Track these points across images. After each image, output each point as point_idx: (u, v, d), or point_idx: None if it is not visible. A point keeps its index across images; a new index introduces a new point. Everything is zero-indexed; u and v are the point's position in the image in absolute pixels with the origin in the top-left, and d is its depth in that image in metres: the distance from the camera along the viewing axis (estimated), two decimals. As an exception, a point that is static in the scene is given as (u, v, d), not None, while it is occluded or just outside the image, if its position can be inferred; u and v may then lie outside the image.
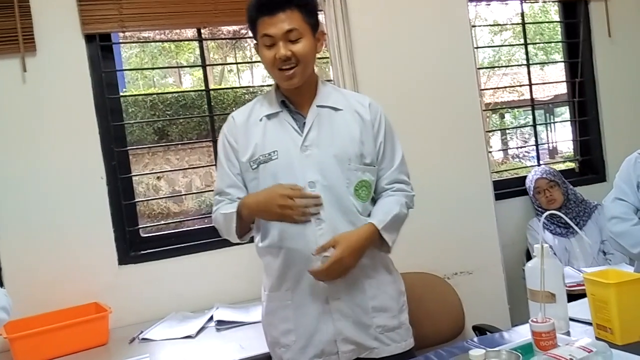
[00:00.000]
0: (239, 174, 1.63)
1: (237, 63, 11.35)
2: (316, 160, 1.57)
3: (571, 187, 2.92)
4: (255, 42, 1.61)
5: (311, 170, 1.56)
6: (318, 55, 1.64)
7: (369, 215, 1.61)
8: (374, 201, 1.66)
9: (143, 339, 2.14)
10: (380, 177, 1.66)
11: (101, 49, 2.41)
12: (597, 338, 1.39)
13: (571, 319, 1.50)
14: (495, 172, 3.37)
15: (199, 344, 2.05)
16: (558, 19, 3.47)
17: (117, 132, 2.46)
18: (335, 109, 1.63)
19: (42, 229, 2.28)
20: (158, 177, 7.56)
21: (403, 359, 1.62)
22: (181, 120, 7.67)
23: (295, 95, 1.62)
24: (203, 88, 2.77)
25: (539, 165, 3.20)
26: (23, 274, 2.22)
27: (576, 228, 1.55)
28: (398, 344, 1.63)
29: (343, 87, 2.49)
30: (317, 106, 1.62)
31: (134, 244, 2.48)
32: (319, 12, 1.62)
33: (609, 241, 2.15)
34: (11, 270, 2.22)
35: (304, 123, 1.60)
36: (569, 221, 1.51)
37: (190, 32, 3.34)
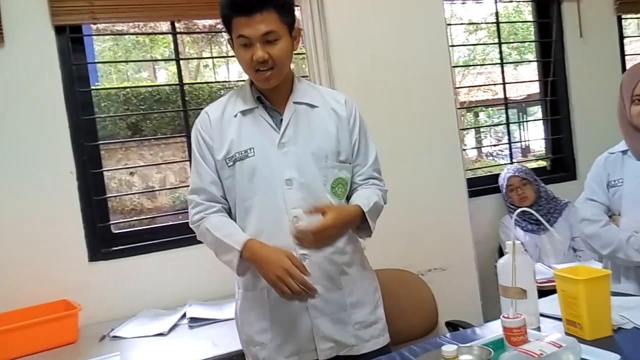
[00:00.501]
0: (216, 171, 1.60)
1: (212, 57, 11.24)
2: (293, 157, 1.56)
3: (543, 184, 2.96)
4: (229, 37, 1.58)
5: (288, 168, 1.55)
6: (294, 51, 1.62)
7: None
8: (348, 198, 1.66)
9: (114, 336, 2.10)
10: (354, 174, 1.66)
11: (72, 41, 2.36)
12: (566, 333, 1.42)
13: (542, 315, 1.52)
14: (469, 169, 3.40)
15: (171, 341, 2.03)
16: (532, 19, 3.52)
17: (87, 126, 2.41)
18: (312, 106, 1.62)
19: (9, 224, 2.23)
20: (131, 173, 7.45)
21: (380, 355, 1.62)
22: (155, 115, 7.56)
23: (271, 92, 1.60)
24: (177, 82, 2.74)
25: (511, 163, 3.24)
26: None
27: (547, 225, 1.57)
28: (376, 340, 1.63)
29: (319, 83, 2.49)
30: (294, 103, 1.60)
31: (105, 240, 2.43)
32: (295, 9, 1.60)
33: (581, 242, 2.19)
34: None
35: (281, 120, 1.59)
36: (540, 218, 1.53)
37: (165, 26, 3.29)
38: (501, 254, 2.90)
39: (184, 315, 2.22)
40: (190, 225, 1.64)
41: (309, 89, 1.66)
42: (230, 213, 1.63)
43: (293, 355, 1.56)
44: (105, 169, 2.52)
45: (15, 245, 2.23)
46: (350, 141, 1.63)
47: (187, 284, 2.43)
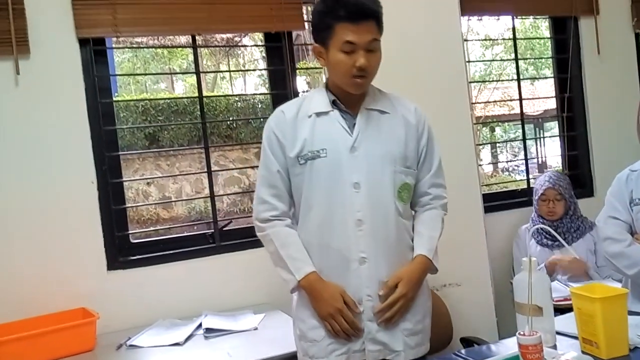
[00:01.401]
0: (283, 169, 1.64)
1: (230, 71, 11.39)
2: (363, 161, 1.60)
3: (575, 201, 2.85)
4: (315, 44, 1.62)
5: (358, 171, 1.60)
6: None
7: (409, 218, 1.69)
8: (411, 204, 1.72)
9: (130, 345, 2.12)
10: (419, 180, 1.71)
11: (94, 53, 2.41)
12: (583, 352, 1.41)
13: (558, 333, 1.51)
14: (485, 185, 3.39)
15: (186, 351, 2.04)
16: (548, 35, 3.52)
17: (108, 137, 2.46)
18: (383, 112, 1.67)
19: (31, 232, 2.26)
20: (148, 183, 7.53)
21: None
22: (172, 126, 7.65)
23: (345, 97, 1.65)
24: (196, 94, 2.78)
25: (543, 172, 3.18)
26: (11, 277, 2.20)
27: (563, 242, 1.56)
28: (420, 347, 1.67)
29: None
30: (367, 109, 1.66)
31: (123, 249, 2.46)
32: None
33: (605, 261, 2.13)
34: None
35: (354, 124, 1.63)
36: (556, 235, 1.53)
37: (184, 39, 3.34)
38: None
39: (199, 326, 2.23)
40: (254, 221, 1.69)
41: (380, 96, 1.71)
42: (293, 215, 1.68)
43: (342, 355, 1.60)
44: (125, 179, 2.56)
45: (35, 253, 2.26)
46: (417, 147, 1.69)
47: (202, 294, 2.45)
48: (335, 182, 1.59)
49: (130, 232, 2.53)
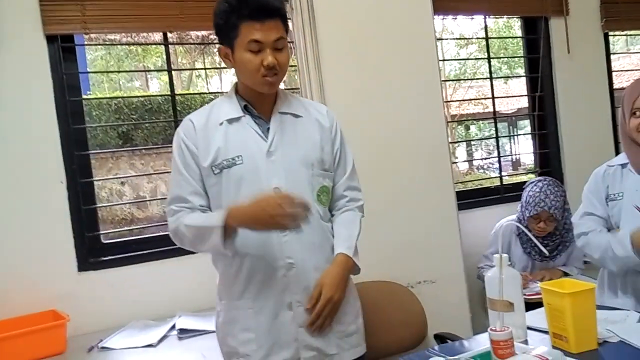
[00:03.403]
0: (200, 180, 1.60)
1: (205, 68, 11.28)
2: (281, 165, 1.58)
3: (569, 214, 2.67)
4: (221, 45, 1.58)
5: (276, 176, 1.57)
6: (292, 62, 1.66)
7: (329, 221, 1.67)
8: (330, 209, 1.70)
9: (102, 347, 2.08)
10: (335, 184, 1.69)
11: (63, 50, 2.36)
12: (553, 346, 1.43)
13: (529, 328, 1.54)
14: (460, 182, 3.43)
15: (160, 353, 2.01)
16: (521, 35, 3.57)
17: (78, 136, 2.41)
18: (296, 116, 1.65)
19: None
20: (122, 182, 7.43)
21: None
22: (146, 125, 7.56)
23: (257, 101, 1.62)
24: (169, 93, 2.75)
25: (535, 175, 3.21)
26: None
27: (544, 250, 1.58)
28: (355, 349, 1.66)
29: (310, 95, 2.51)
30: (280, 113, 1.63)
31: (94, 250, 2.42)
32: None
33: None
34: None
35: (268, 129, 1.61)
36: (541, 248, 1.54)
37: (158, 36, 3.30)
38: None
39: (173, 327, 2.21)
40: (170, 233, 1.62)
41: (292, 100, 1.69)
42: None
43: None
44: (96, 178, 2.52)
45: (3, 254, 2.21)
46: (332, 150, 1.68)
47: (176, 294, 2.42)
48: (255, 189, 1.53)
49: (101, 232, 2.49)
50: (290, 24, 2.43)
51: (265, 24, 1.50)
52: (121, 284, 2.38)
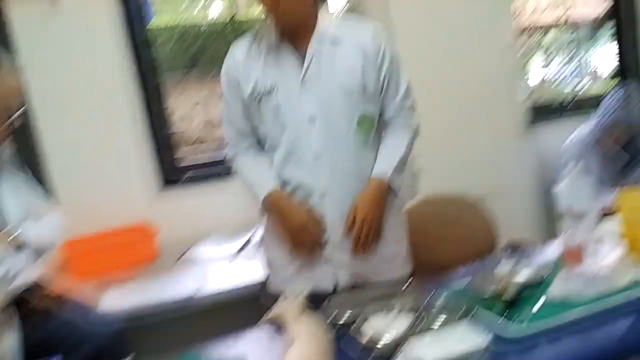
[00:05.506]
0: (243, 109, 1.62)
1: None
2: (317, 94, 1.56)
3: None
4: None
5: (311, 105, 1.56)
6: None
7: (371, 149, 1.63)
8: (378, 132, 1.66)
9: (189, 257, 2.26)
10: (385, 107, 1.64)
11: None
12: (625, 253, 1.42)
13: (602, 236, 1.52)
14: (534, 94, 3.29)
15: (240, 262, 2.17)
16: None
17: (149, 63, 2.50)
18: (336, 42, 1.59)
19: (88, 157, 2.39)
20: (192, 107, 7.63)
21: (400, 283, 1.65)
22: (212, 50, 7.61)
23: (295, 29, 1.57)
24: (230, 16, 2.74)
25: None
26: (74, 197, 2.33)
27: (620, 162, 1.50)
28: (394, 272, 1.67)
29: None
30: (317, 40, 1.58)
31: (172, 170, 2.57)
32: None
33: None
34: (63, 194, 2.33)
35: (305, 56, 1.57)
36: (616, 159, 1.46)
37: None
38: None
39: (251, 239, 2.34)
40: (228, 162, 1.71)
41: (334, 25, 1.62)
42: (262, 145, 1.66)
43: (311, 281, 1.57)
44: (168, 103, 2.62)
45: (94, 176, 2.40)
46: (378, 76, 1.60)
47: (253, 210, 2.54)
48: (290, 118, 1.55)
49: (177, 155, 2.62)
50: None
51: None
52: (200, 201, 2.52)
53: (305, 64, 1.56)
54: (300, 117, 1.55)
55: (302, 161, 1.57)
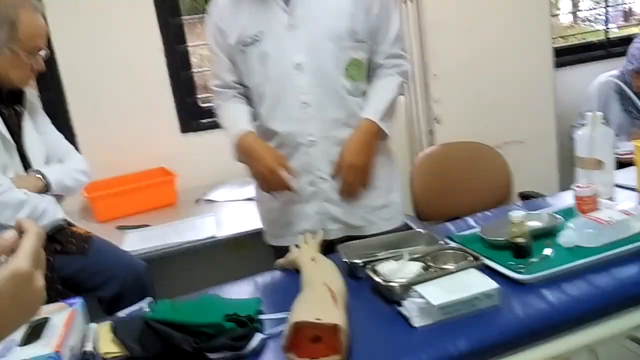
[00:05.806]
0: (229, 59, 1.58)
1: None
2: (304, 40, 1.50)
3: None
4: None
5: (299, 51, 1.50)
6: None
7: (361, 95, 1.58)
8: (368, 77, 1.61)
9: (207, 200, 2.32)
10: (375, 52, 1.58)
11: None
12: (640, 203, 1.42)
13: (617, 186, 1.52)
14: (561, 37, 3.17)
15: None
16: None
17: (171, 2, 2.47)
18: None
19: (109, 99, 2.41)
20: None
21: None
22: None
23: None
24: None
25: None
26: (95, 141, 2.38)
27: None
28: (387, 222, 1.64)
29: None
30: None
31: (194, 113, 2.58)
32: None
33: None
34: (85, 138, 2.39)
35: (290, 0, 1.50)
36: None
37: None
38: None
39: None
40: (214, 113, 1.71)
41: None
42: (248, 97, 1.63)
43: (301, 234, 1.52)
44: (190, 44, 2.60)
45: (116, 119, 2.43)
46: (367, 19, 1.53)
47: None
48: (277, 65, 1.50)
49: (199, 96, 2.62)
50: None
51: None
52: (220, 145, 2.51)
53: (291, 8, 1.50)
54: (287, 65, 1.50)
55: (290, 110, 1.53)
